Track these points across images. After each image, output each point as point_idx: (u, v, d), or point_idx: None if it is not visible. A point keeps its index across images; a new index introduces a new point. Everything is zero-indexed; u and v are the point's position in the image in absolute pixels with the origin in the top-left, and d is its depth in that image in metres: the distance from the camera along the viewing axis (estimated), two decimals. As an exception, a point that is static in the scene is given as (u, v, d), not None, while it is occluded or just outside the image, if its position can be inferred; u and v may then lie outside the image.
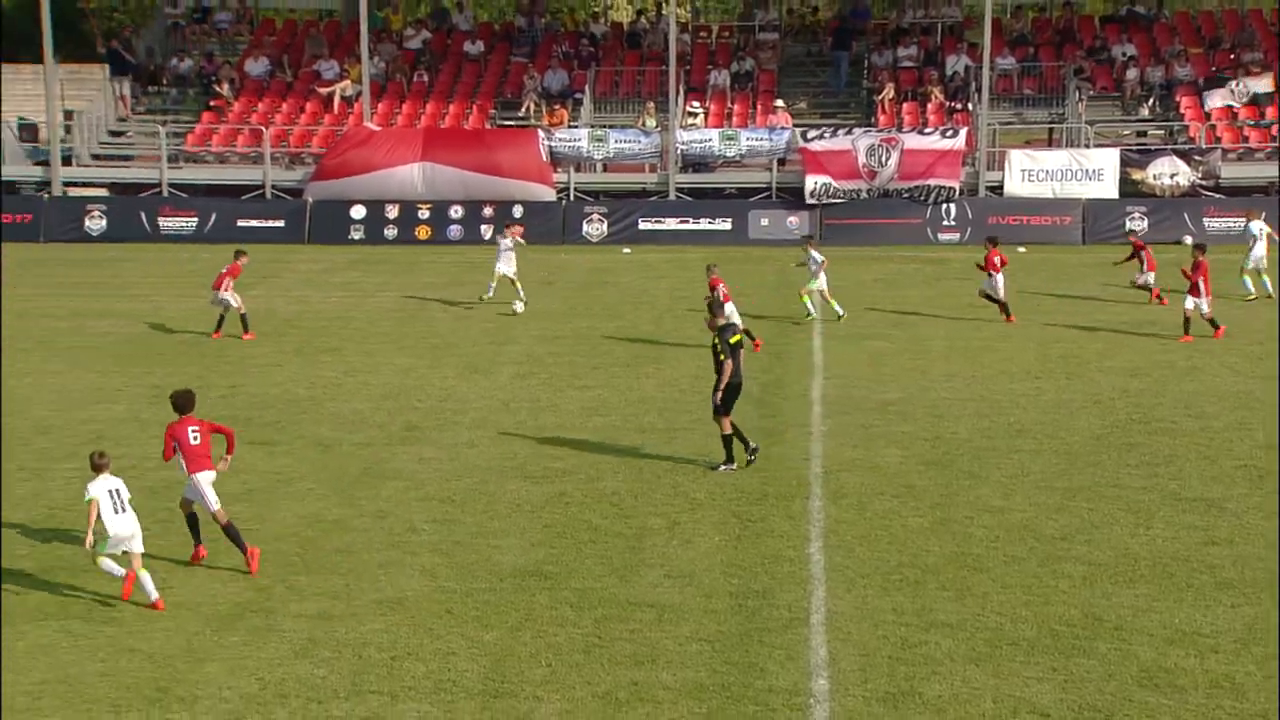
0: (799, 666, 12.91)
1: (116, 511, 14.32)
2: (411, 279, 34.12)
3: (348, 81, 44.77)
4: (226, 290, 27.18)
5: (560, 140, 40.97)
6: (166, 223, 40.33)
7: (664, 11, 48.45)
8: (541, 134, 40.98)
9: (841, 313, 28.45)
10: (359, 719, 12.02)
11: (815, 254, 28.65)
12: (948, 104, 43.00)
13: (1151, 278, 30.11)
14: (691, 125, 41.92)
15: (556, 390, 23.19)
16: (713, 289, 24.97)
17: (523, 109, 44.07)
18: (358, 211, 40.40)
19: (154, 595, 14.29)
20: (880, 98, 43.56)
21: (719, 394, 18.39)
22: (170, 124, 44.23)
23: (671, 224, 40.03)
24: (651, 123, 41.95)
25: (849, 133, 40.44)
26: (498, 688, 12.53)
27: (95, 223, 40.25)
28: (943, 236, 39.44)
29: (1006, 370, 24.35)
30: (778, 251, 37.60)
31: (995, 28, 42.26)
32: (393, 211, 40.32)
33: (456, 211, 40.24)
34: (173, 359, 25.35)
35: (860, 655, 13.15)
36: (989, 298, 28.61)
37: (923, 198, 39.54)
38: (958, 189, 39.59)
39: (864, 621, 13.89)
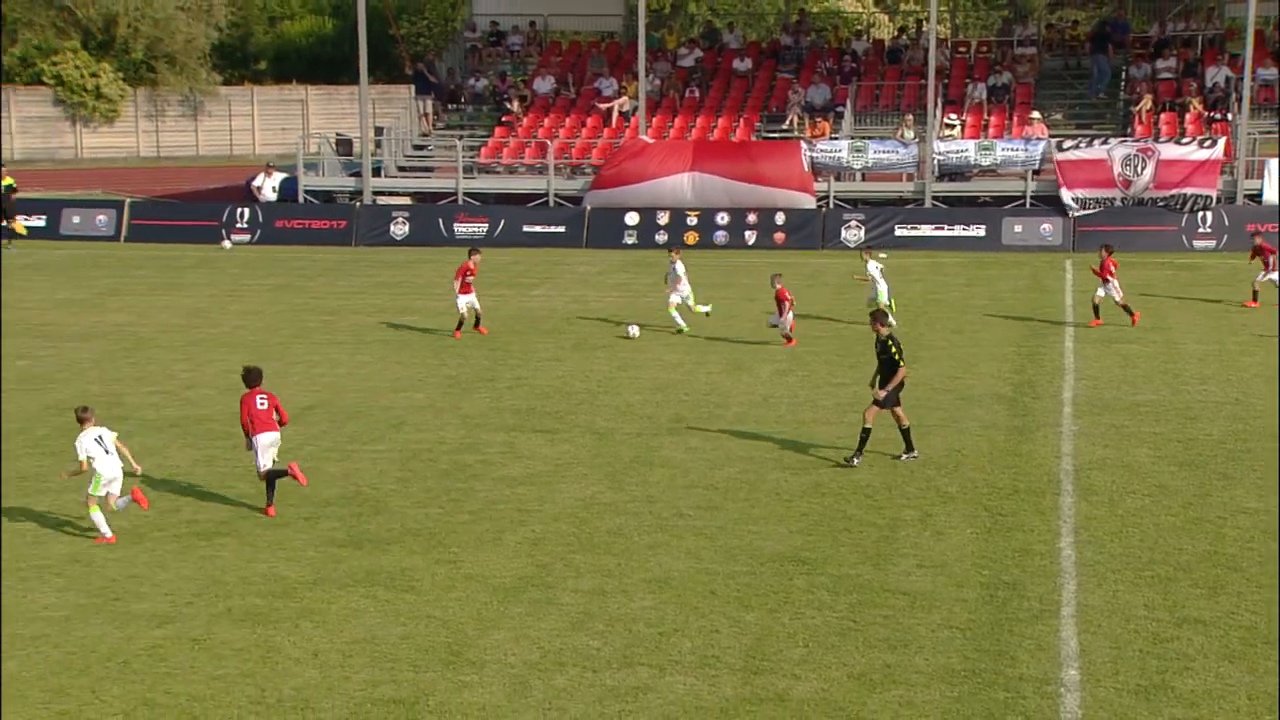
0: (1049, 656, 12.55)
1: (107, 453, 15.68)
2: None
3: (625, 98, 45.36)
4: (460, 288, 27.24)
5: (821, 151, 40.71)
6: (461, 228, 41.51)
7: (924, 28, 47.67)
8: (804, 145, 40.78)
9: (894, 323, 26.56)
10: (630, 688, 12.16)
11: (873, 263, 27.81)
12: (1206, 114, 41.22)
13: (1275, 276, 29.07)
14: (949, 136, 41.14)
15: (814, 387, 23.05)
16: (780, 300, 25.52)
17: (787, 122, 43.94)
18: (631, 218, 40.91)
19: (107, 533, 15.61)
20: (1137, 109, 42.04)
21: (886, 390, 18.46)
22: (466, 138, 45.53)
23: (927, 230, 39.36)
24: (910, 134, 41.32)
25: (1104, 143, 39.14)
26: (758, 665, 12.52)
27: (399, 228, 41.69)
28: (1198, 244, 37.84)
29: (1262, 375, 23.20)
30: (1029, 257, 36.69)
31: (1257, 40, 40.31)
32: (663, 218, 40.69)
33: (722, 218, 40.37)
34: (465, 352, 26.08)
35: (1111, 648, 12.70)
36: (1101, 306, 27.58)
37: (1179, 206, 38.05)
38: (1215, 197, 37.95)
39: (1115, 615, 13.41)
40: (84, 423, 15.78)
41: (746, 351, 25.85)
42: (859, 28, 63.02)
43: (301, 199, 43.75)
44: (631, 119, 44.40)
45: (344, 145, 47.44)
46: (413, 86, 48.17)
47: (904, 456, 18.70)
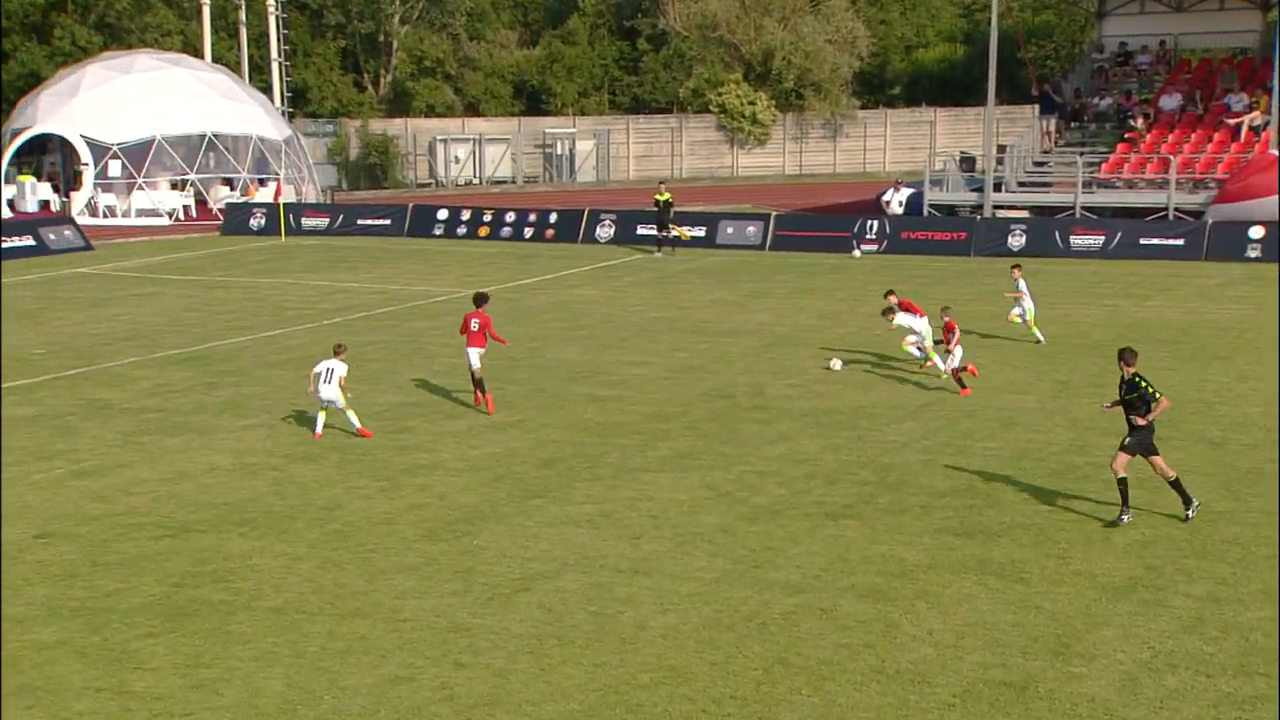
0: None
1: (325, 382, 19.68)
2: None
3: (1257, 113, 42.00)
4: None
5: None
6: (1077, 240, 40.02)
7: None
8: None
9: (1041, 339, 26.13)
10: (1245, 697, 11.24)
11: (1021, 281, 26.22)
12: None
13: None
14: None
15: None
16: (949, 330, 22.82)
17: None
18: (1255, 231, 37.78)
19: (358, 424, 19.84)
20: None
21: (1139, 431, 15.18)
22: (1086, 154, 43.88)
23: None
24: None
25: None
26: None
27: (1015, 240, 40.81)
28: None
29: None
30: None
31: None
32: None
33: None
34: (1075, 359, 25.12)
35: None
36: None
37: None
38: None
39: None
40: (336, 354, 19.98)
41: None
42: None
43: (926, 212, 43.86)
44: (1262, 133, 41.03)
45: (967, 162, 47.12)
46: (1037, 106, 47.13)
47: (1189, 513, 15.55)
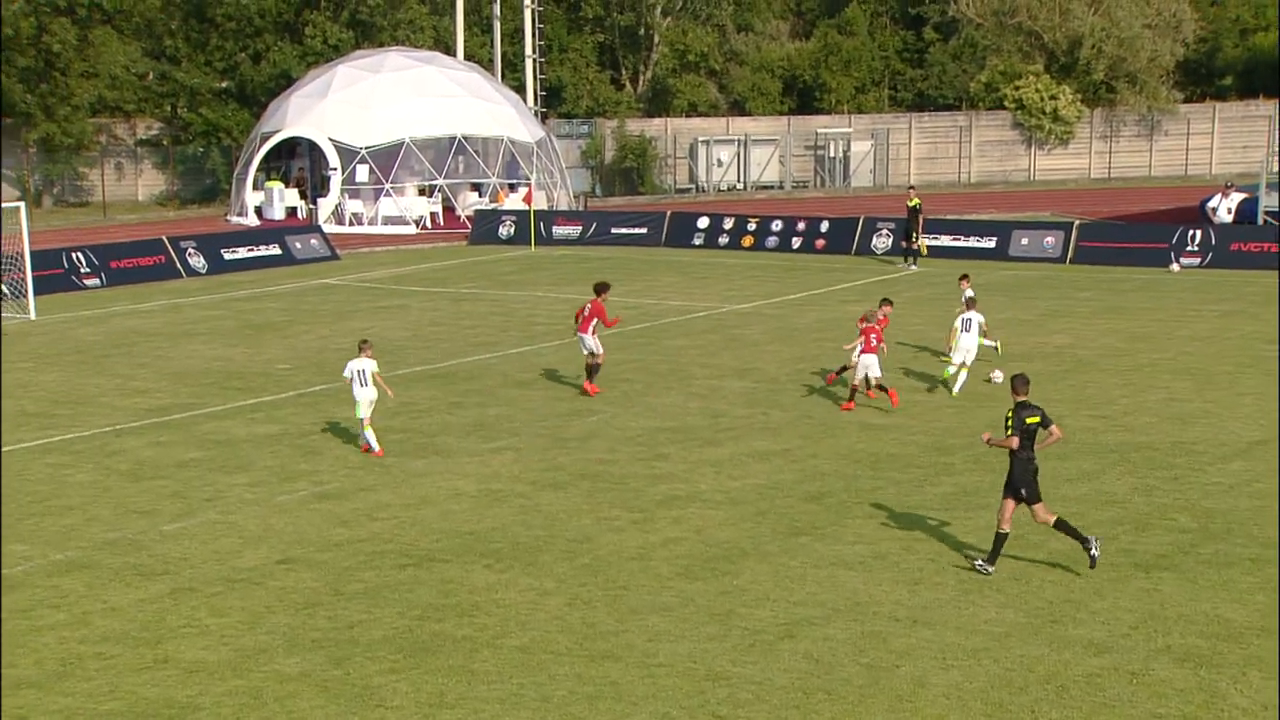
0: None
1: (361, 385, 20.94)
2: None
3: None
4: None
5: None
6: None
7: None
8: None
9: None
10: None
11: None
12: None
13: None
14: None
15: None
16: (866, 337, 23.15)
17: None
18: None
19: (376, 447, 21.00)
20: None
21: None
22: None
23: None
24: None
25: None
26: None
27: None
28: None
29: None
30: None
31: None
32: None
33: None
34: None
35: None
36: None
37: None
38: None
39: None
40: (361, 352, 21.11)
41: None
42: None
43: (1261, 220, 41.86)
44: None
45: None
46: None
47: (978, 563, 15.69)
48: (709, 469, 20.12)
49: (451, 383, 26.51)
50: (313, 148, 56.84)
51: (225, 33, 63.39)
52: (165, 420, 23.56)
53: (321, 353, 29.76)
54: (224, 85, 64.39)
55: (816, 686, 12.71)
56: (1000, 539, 15.65)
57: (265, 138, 55.82)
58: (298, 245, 46.38)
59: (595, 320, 24.83)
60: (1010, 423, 15.78)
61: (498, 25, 64.33)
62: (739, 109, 74.89)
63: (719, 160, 68.97)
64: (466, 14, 64.10)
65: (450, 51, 62.41)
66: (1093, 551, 15.60)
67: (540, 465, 20.40)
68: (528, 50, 63.24)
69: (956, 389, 24.62)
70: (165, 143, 64.95)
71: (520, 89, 62.74)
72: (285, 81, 60.50)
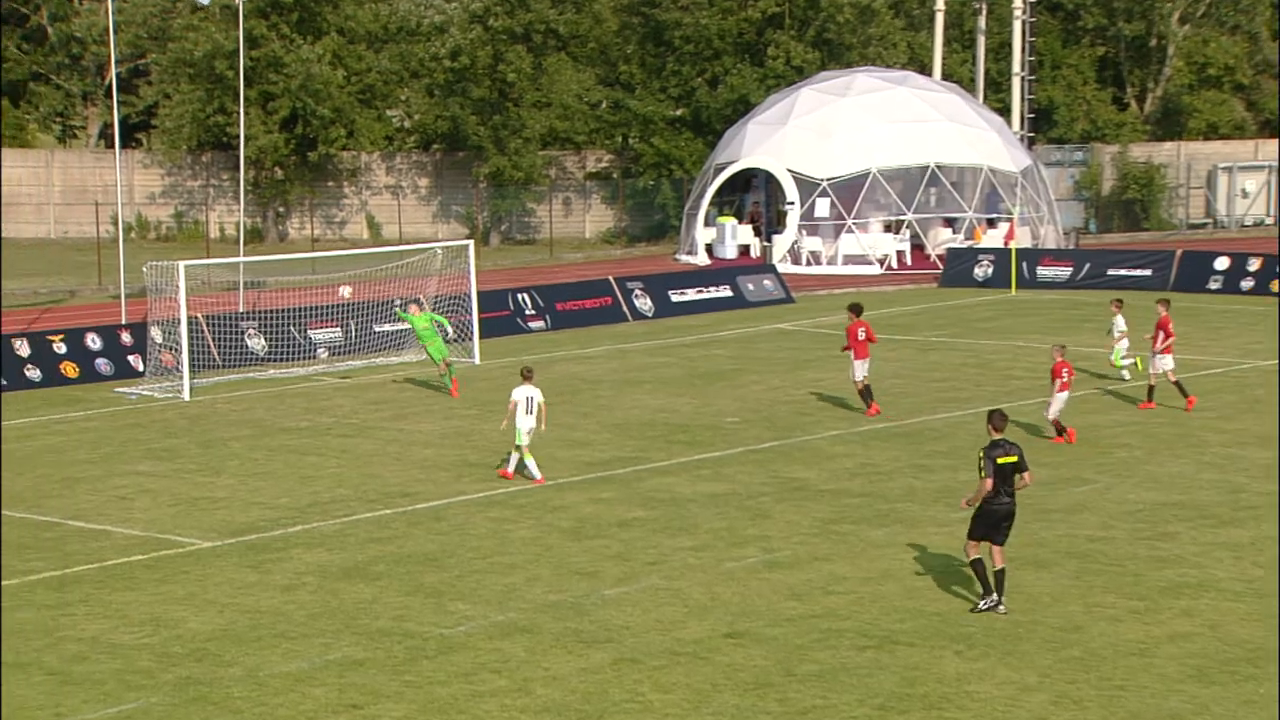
0: None
1: (527, 412, 23.29)
2: None
3: None
4: None
5: None
6: None
7: None
8: None
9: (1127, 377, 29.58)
10: None
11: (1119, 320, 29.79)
12: None
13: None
14: None
15: None
16: (1056, 375, 25.35)
17: None
18: None
19: (537, 475, 23.60)
20: None
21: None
22: None
23: None
24: None
25: None
26: None
27: None
28: None
29: None
30: None
31: None
32: None
33: None
34: None
35: None
36: None
37: None
38: None
39: None
40: (526, 379, 23.53)
41: None
42: None
43: None
44: None
45: None
46: None
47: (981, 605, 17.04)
48: (1226, 553, 19.22)
49: (917, 442, 26.37)
50: (769, 180, 57.97)
51: (682, 56, 65.48)
52: (607, 475, 24.51)
53: (773, 405, 30.21)
54: (678, 113, 66.55)
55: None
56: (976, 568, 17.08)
57: (719, 169, 57.37)
58: (750, 286, 47.35)
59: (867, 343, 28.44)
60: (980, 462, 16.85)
61: (981, 40, 63.83)
62: (1270, 130, 71.27)
63: (1244, 190, 65.91)
64: (946, 28, 63.87)
65: (926, 70, 62.40)
66: (981, 606, 16.99)
67: (1019, 539, 19.94)
68: (1015, 67, 62.37)
69: None
70: (614, 176, 67.81)
71: (1004, 111, 61.96)
72: (743, 107, 61.96)
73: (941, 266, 51.88)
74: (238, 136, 47.45)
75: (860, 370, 28.54)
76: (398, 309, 34.89)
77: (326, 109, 61.90)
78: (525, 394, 23.64)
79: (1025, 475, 16.96)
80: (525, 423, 23.63)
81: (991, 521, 16.91)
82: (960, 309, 44.61)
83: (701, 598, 18.03)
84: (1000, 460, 16.75)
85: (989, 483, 16.67)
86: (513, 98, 63.27)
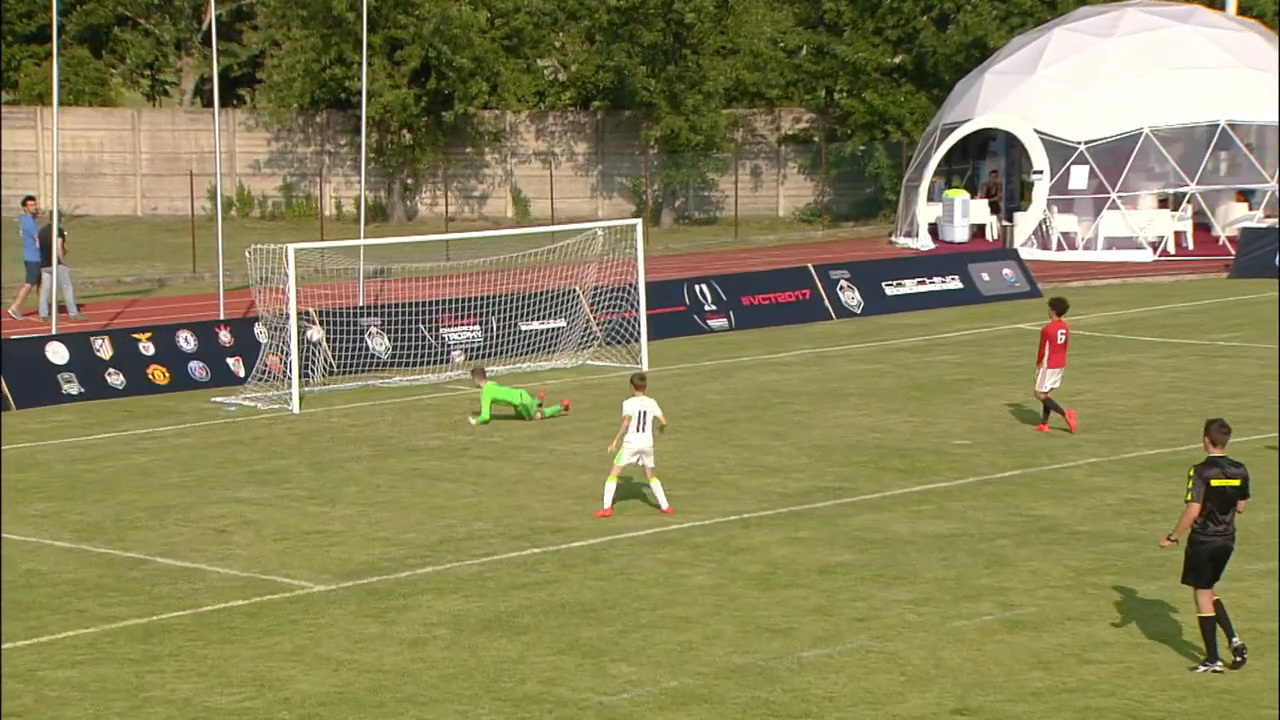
0: None
1: (639, 430, 23.30)
2: None
3: None
4: None
5: None
6: None
7: None
8: None
9: None
10: None
11: None
12: None
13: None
14: None
15: None
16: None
17: None
18: None
19: (664, 504, 23.76)
20: None
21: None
22: None
23: None
24: None
25: None
26: None
27: None
28: None
29: None
30: None
31: None
32: None
33: None
34: None
35: None
36: None
37: None
38: None
39: None
40: (637, 390, 23.80)
41: None
42: None
43: None
44: None
45: None
46: None
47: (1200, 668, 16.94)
48: None
49: (1198, 472, 25.84)
50: (1011, 143, 57.28)
51: (904, -9, 64.78)
52: (805, 509, 24.45)
53: (1011, 426, 29.94)
54: (897, 61, 65.80)
55: None
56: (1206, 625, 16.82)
57: (948, 130, 56.79)
58: (985, 276, 46.85)
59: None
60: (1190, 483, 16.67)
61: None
62: None
63: None
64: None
65: (1216, 4, 61.02)
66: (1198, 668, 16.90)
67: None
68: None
69: None
70: (815, 139, 67.31)
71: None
72: (979, 53, 61.21)
73: (1233, 251, 50.92)
74: (359, 92, 48.04)
75: (1051, 379, 28.95)
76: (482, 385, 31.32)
77: (465, 58, 62.15)
78: (638, 407, 23.75)
79: (1240, 503, 16.50)
80: (636, 441, 23.69)
81: (1196, 560, 16.60)
82: (1257, 305, 43.69)
83: (923, 664, 17.91)
84: (1215, 483, 16.46)
85: (1195, 508, 16.42)
86: (691, 43, 63.18)
